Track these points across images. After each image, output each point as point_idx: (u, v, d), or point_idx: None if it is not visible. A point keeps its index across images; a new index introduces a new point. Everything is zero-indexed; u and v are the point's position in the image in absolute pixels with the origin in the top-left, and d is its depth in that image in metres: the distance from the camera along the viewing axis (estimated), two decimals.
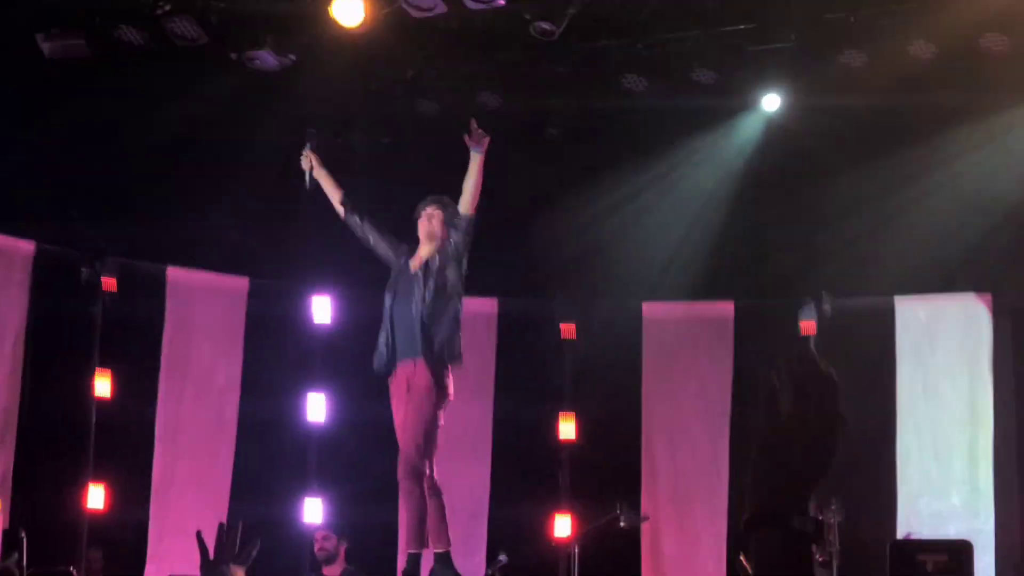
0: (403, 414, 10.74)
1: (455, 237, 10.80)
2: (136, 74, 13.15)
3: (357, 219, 11.14)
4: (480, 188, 10.72)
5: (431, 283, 10.73)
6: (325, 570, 12.48)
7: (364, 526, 13.07)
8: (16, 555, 4.38)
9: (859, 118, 13.50)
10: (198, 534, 5.32)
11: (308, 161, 11.20)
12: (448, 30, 13.03)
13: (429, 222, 10.92)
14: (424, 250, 10.90)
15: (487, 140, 10.70)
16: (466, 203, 10.78)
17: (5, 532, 4.34)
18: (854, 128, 13.58)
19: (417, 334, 10.70)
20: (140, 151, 13.18)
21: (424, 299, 10.72)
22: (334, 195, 11.18)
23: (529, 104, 14.25)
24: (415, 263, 10.85)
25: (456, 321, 10.83)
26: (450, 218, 10.86)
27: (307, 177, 11.22)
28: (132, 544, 13.11)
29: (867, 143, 13.60)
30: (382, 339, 10.89)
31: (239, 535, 5.47)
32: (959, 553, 2.45)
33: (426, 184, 11.63)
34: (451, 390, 10.78)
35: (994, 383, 13.26)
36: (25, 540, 4.15)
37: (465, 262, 10.92)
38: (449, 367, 10.72)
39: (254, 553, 5.43)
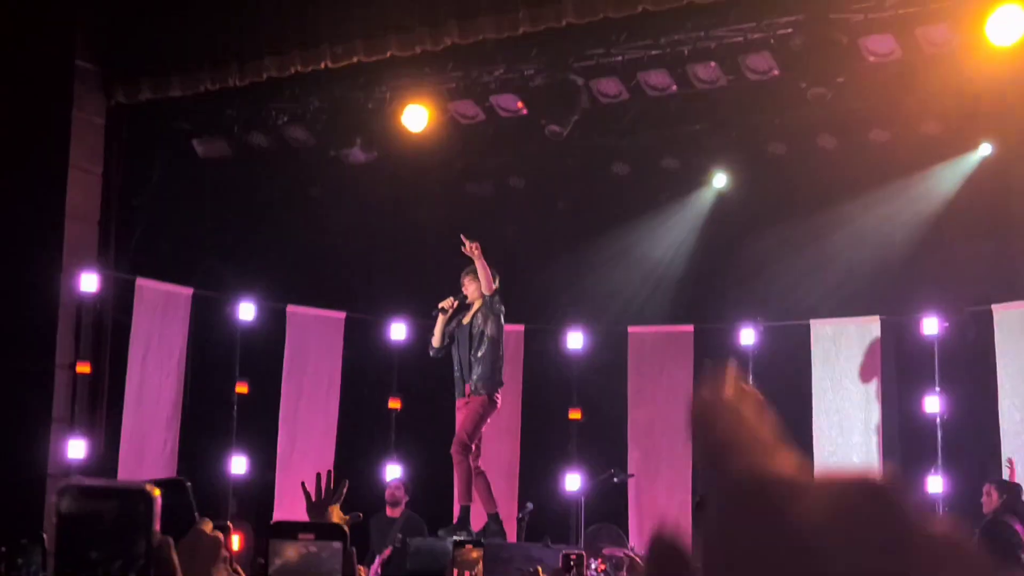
0: (462, 415, 11.72)
1: (487, 304, 11.60)
2: (263, 167, 13.86)
3: (439, 353, 11.96)
4: (488, 275, 11.49)
5: (476, 334, 11.68)
6: (389, 510, 12.58)
7: (427, 486, 13.40)
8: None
9: (784, 190, 14.16)
10: (302, 484, 5.24)
11: (450, 307, 11.82)
12: (486, 132, 13.60)
13: (467, 288, 11.78)
14: (473, 308, 11.73)
15: (476, 246, 11.43)
16: (484, 287, 11.57)
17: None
18: (780, 198, 14.23)
19: (471, 369, 11.69)
20: (269, 223, 13.82)
21: (473, 345, 11.68)
22: (436, 338, 11.92)
23: (544, 184, 14.85)
24: (466, 319, 11.68)
25: (498, 359, 11.74)
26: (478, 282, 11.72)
27: (441, 310, 11.83)
28: (264, 497, 13.54)
29: (789, 208, 14.15)
30: (456, 373, 11.85)
31: (332, 480, 5.20)
32: None
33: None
34: (499, 403, 11.80)
35: (881, 380, 13.66)
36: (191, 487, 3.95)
37: (502, 318, 11.71)
38: (497, 390, 11.63)
39: (344, 491, 5.13)
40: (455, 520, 11.81)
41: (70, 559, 1.53)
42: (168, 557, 1.74)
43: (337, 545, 2.16)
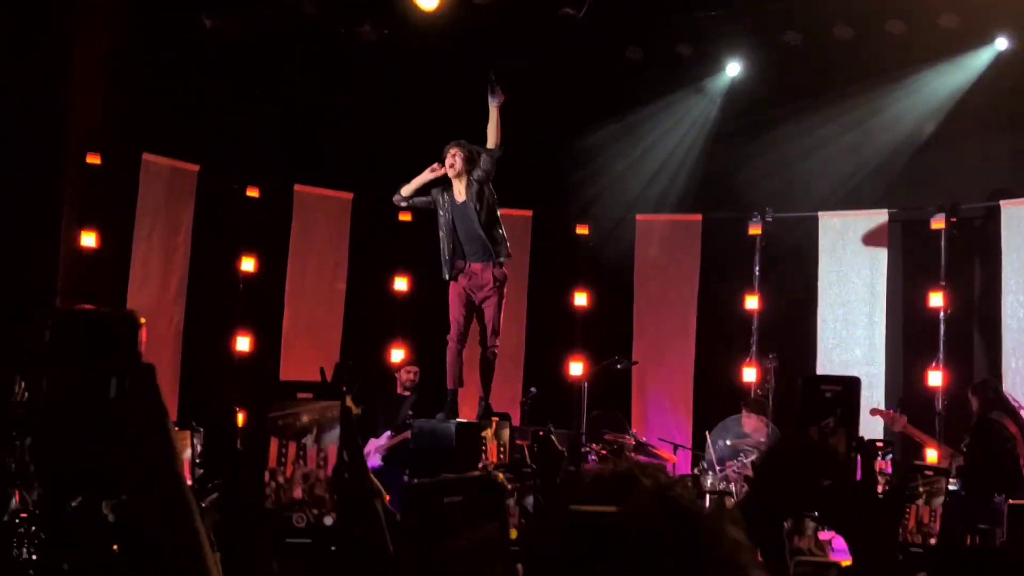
0: (486, 305, 11.09)
1: (485, 165, 10.90)
2: (272, 42, 13.41)
3: (403, 203, 11.35)
4: (500, 128, 10.85)
5: (480, 206, 10.92)
6: (400, 389, 12.41)
7: (430, 369, 12.93)
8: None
9: (796, 80, 13.77)
10: (321, 370, 5.00)
11: (433, 173, 11.13)
12: (499, 11, 13.23)
13: (453, 160, 10.99)
14: (458, 184, 11.01)
15: (502, 97, 10.87)
16: (492, 141, 10.92)
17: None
18: (793, 88, 13.85)
19: (483, 244, 10.97)
20: (277, 100, 13.49)
21: (481, 219, 10.93)
22: (407, 188, 11.24)
23: (557, 67, 14.18)
24: (459, 196, 10.97)
25: (502, 227, 11.09)
26: (473, 154, 11.01)
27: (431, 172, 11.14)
28: (268, 376, 12.99)
29: (801, 99, 13.78)
30: (447, 251, 11.09)
31: (350, 370, 5.09)
32: (850, 384, 2.60)
33: (479, 124, 11.66)
34: (507, 282, 11.10)
35: (887, 273, 13.54)
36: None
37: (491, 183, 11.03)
38: (503, 267, 11.04)
39: (358, 386, 4.97)
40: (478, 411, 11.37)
41: (62, 363, 1.64)
42: (154, 383, 1.73)
43: (335, 404, 2.24)
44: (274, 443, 2.02)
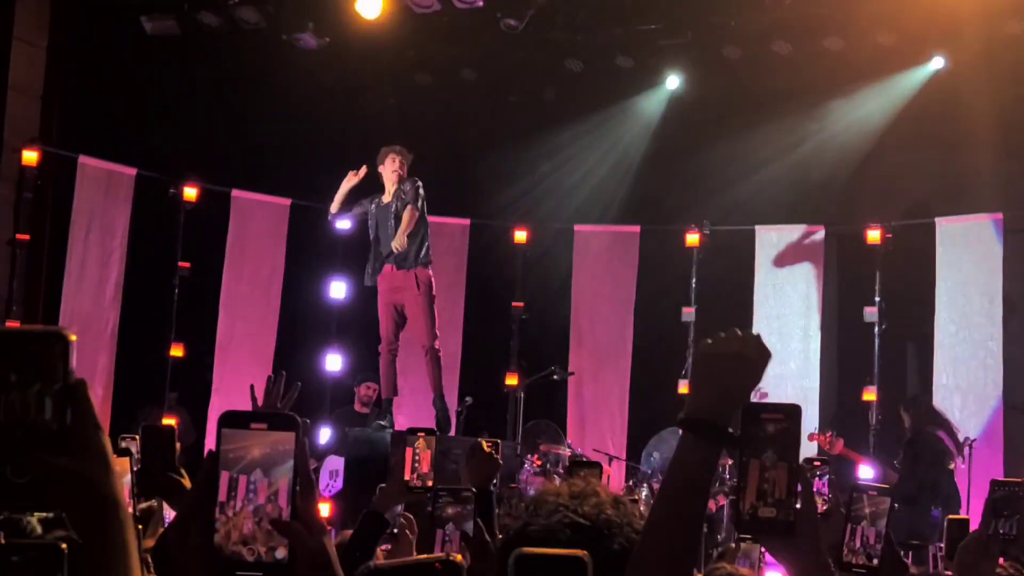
0: (411, 308, 11.36)
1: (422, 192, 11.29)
2: (212, 48, 13.29)
3: (336, 220, 11.80)
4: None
5: (403, 209, 11.13)
6: (358, 406, 12.51)
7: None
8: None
9: (735, 94, 13.89)
10: (251, 387, 4.90)
11: (355, 178, 11.51)
12: (440, 22, 13.21)
13: (392, 164, 11.27)
14: (392, 188, 11.30)
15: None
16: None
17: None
18: (732, 102, 13.99)
19: (409, 247, 11.24)
20: (216, 105, 13.38)
21: (401, 220, 11.19)
22: (334, 204, 11.63)
23: (497, 78, 14.41)
24: (387, 197, 11.29)
25: (425, 236, 11.32)
26: (407, 162, 11.34)
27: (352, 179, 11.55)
28: (202, 383, 13.25)
29: (740, 113, 13.90)
30: (372, 255, 11.48)
31: (283, 384, 4.99)
32: (792, 412, 2.49)
33: (418, 133, 11.71)
34: (433, 283, 11.06)
35: (822, 287, 13.64)
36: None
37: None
38: (428, 268, 11.23)
39: (295, 395, 4.96)
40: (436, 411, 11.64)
41: None
42: (85, 395, 1.65)
43: (290, 435, 2.00)
44: (224, 476, 1.98)
